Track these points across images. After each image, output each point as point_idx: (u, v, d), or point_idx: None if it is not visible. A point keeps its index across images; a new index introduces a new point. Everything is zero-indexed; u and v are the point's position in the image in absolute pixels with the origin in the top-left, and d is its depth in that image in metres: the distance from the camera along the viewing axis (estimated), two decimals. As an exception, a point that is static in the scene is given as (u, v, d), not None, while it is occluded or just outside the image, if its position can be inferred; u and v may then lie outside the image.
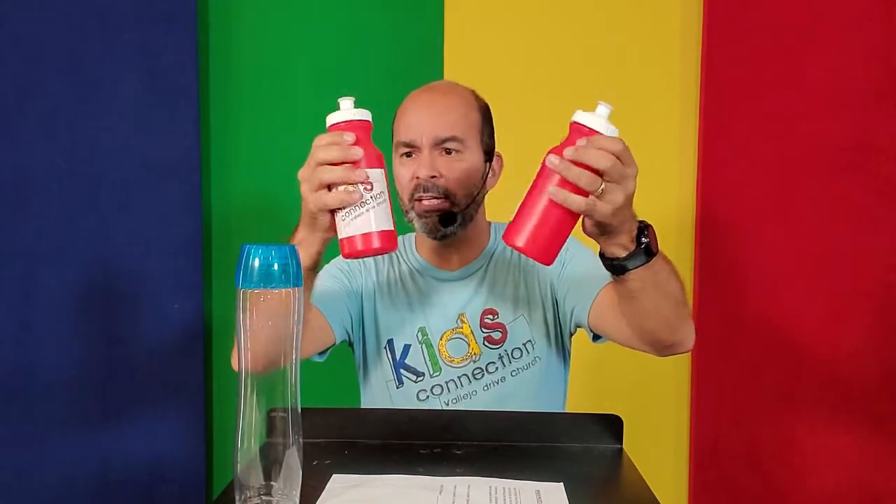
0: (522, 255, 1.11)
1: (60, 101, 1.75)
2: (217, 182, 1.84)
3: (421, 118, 1.13)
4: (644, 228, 0.86)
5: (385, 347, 1.20)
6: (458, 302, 1.19)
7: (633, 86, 1.77)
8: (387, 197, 0.83)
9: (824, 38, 1.71)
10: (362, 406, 1.26)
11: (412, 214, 1.14)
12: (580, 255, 1.16)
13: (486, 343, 1.17)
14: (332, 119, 0.85)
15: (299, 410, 0.68)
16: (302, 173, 0.86)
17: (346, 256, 0.85)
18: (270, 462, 0.67)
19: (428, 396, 1.18)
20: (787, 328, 1.75)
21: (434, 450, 0.88)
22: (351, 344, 1.23)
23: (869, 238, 1.73)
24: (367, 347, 1.22)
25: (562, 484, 0.77)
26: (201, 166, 1.78)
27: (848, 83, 1.71)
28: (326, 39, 1.83)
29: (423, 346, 1.18)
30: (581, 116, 0.80)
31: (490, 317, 1.18)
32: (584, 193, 0.78)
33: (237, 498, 0.67)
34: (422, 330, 1.19)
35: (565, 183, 0.78)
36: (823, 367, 1.74)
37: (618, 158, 0.78)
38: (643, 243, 0.85)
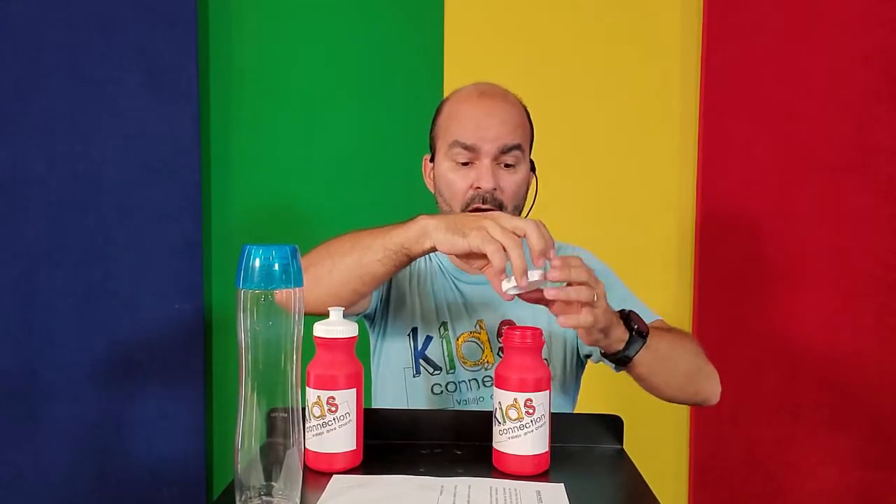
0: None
1: (60, 101, 1.75)
2: (217, 182, 1.84)
3: (484, 123, 1.10)
4: (627, 315, 0.92)
5: (409, 335, 1.18)
6: (477, 307, 1.19)
7: (634, 86, 1.77)
8: (353, 417, 0.80)
9: (824, 38, 1.71)
10: (373, 391, 1.24)
11: None
12: (612, 283, 1.17)
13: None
14: (317, 331, 0.80)
15: (299, 410, 0.68)
16: None
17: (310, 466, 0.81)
18: (271, 462, 0.67)
19: (442, 392, 1.16)
20: (787, 328, 1.75)
21: (434, 450, 0.88)
22: (372, 321, 1.22)
23: (869, 238, 1.73)
24: (390, 329, 1.20)
25: (562, 484, 0.77)
26: (201, 166, 1.78)
27: (848, 83, 1.72)
28: (326, 39, 1.83)
29: (444, 341, 1.18)
30: (515, 283, 0.81)
31: None
32: (579, 310, 0.82)
33: (237, 498, 0.67)
34: (444, 325, 1.18)
35: (563, 307, 0.82)
36: (823, 367, 1.75)
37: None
38: (633, 328, 0.92)
